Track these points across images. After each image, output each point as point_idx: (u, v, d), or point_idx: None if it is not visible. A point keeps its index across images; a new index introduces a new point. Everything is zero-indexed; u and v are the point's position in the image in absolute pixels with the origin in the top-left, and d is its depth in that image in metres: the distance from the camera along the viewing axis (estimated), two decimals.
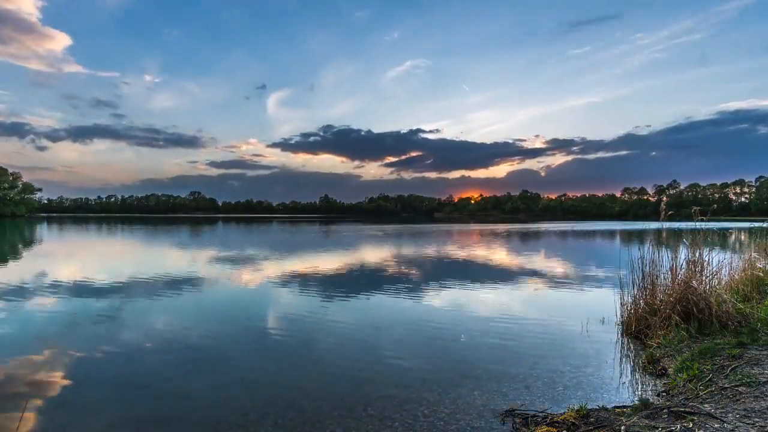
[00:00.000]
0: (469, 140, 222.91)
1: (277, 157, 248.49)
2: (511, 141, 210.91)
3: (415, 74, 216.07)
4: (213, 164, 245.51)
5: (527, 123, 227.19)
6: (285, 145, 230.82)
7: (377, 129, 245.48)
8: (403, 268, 13.48)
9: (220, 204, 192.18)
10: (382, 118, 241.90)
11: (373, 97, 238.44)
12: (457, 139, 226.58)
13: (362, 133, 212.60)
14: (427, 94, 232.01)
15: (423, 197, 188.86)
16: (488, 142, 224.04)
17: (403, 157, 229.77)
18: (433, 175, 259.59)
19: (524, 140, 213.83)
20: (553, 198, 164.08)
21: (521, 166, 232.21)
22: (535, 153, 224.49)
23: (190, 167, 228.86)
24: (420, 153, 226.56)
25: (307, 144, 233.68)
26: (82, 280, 10.56)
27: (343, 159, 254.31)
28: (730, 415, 3.02)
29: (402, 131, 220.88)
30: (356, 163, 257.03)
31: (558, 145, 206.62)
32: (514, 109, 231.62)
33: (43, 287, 9.55)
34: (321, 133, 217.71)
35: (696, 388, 3.63)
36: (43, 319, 6.73)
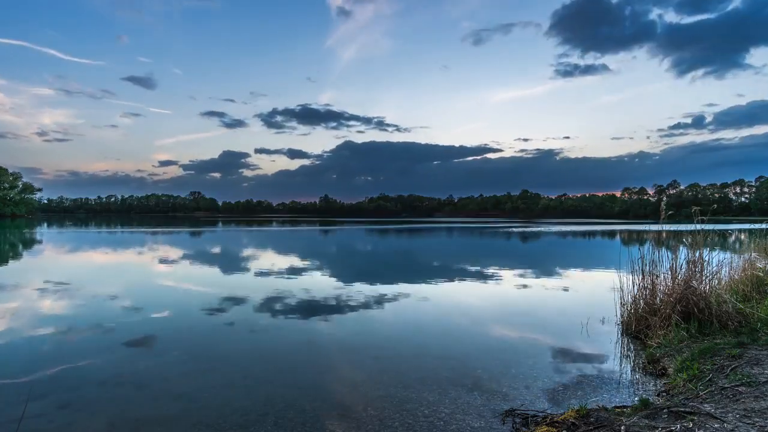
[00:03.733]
0: None
1: None
2: None
3: None
4: None
5: None
6: None
7: None
8: (401, 267, 13.47)
9: (220, 204, 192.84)
10: None
11: None
12: None
13: None
14: None
15: (423, 197, 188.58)
16: None
17: None
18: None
19: None
20: (553, 198, 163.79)
21: None
22: None
23: None
24: None
25: None
26: (85, 279, 10.56)
27: None
28: (730, 415, 3.01)
29: None
30: None
31: None
32: None
33: (42, 289, 9.55)
34: None
35: (696, 388, 3.62)
36: (43, 320, 6.73)
